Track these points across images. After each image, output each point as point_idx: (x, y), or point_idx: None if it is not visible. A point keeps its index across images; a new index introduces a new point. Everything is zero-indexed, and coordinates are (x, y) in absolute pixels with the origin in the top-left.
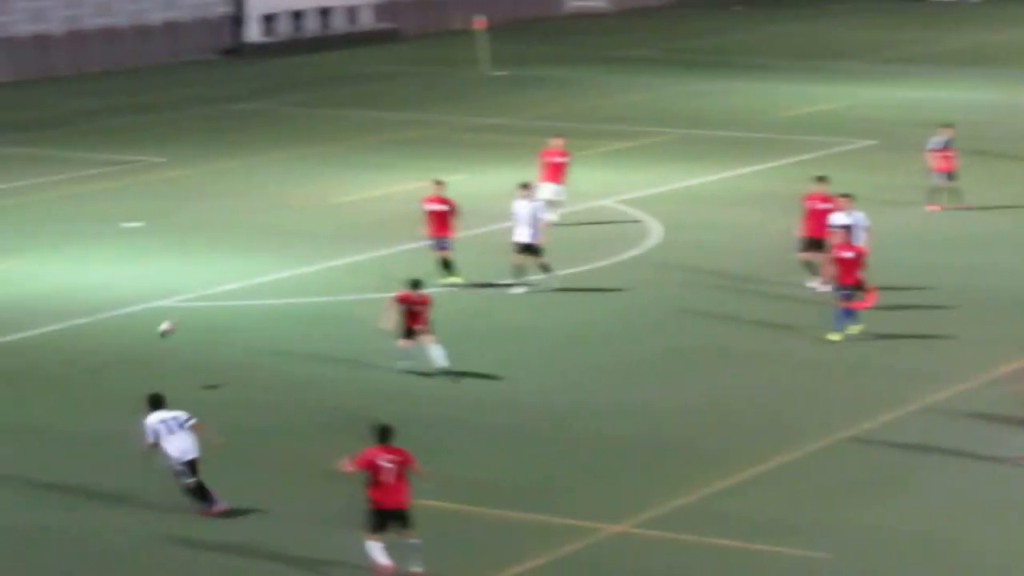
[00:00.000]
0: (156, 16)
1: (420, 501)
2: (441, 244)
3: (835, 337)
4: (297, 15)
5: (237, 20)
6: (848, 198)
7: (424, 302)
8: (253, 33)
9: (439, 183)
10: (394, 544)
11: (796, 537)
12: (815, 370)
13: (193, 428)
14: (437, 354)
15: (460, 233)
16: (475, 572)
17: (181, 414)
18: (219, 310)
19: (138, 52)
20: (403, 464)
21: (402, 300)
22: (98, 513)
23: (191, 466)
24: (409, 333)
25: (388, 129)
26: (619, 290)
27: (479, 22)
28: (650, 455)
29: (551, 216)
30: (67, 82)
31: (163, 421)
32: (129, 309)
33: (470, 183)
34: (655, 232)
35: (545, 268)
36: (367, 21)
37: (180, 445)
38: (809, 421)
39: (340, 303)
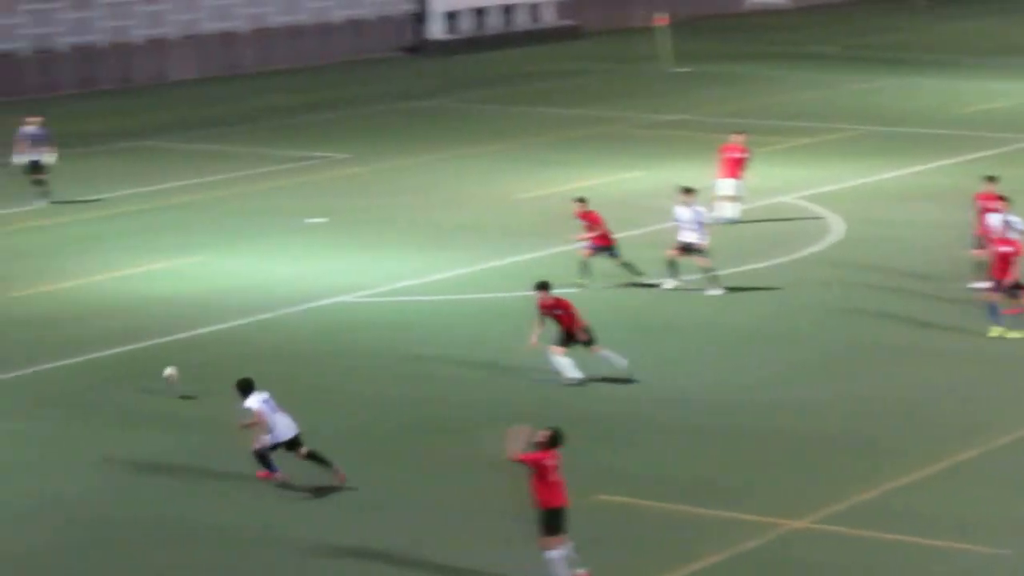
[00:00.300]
0: (340, 14)
1: (599, 496)
2: (612, 253)
3: (1016, 335)
4: (480, 12)
5: (420, 17)
6: (1005, 201)
7: (561, 305)
8: (436, 30)
9: (581, 201)
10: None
11: (979, 534)
12: (994, 367)
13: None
14: (611, 357)
15: (633, 231)
16: (654, 567)
17: (268, 395)
18: (401, 306)
19: (322, 49)
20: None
21: (541, 308)
22: (278, 506)
23: (295, 442)
24: (566, 340)
25: (568, 126)
26: (799, 286)
27: (661, 19)
28: (828, 451)
29: (732, 212)
30: (252, 79)
31: (265, 401)
32: (312, 304)
33: (647, 179)
34: (835, 229)
35: (706, 270)
36: (549, 18)
37: (286, 422)
38: (989, 418)
39: (520, 299)
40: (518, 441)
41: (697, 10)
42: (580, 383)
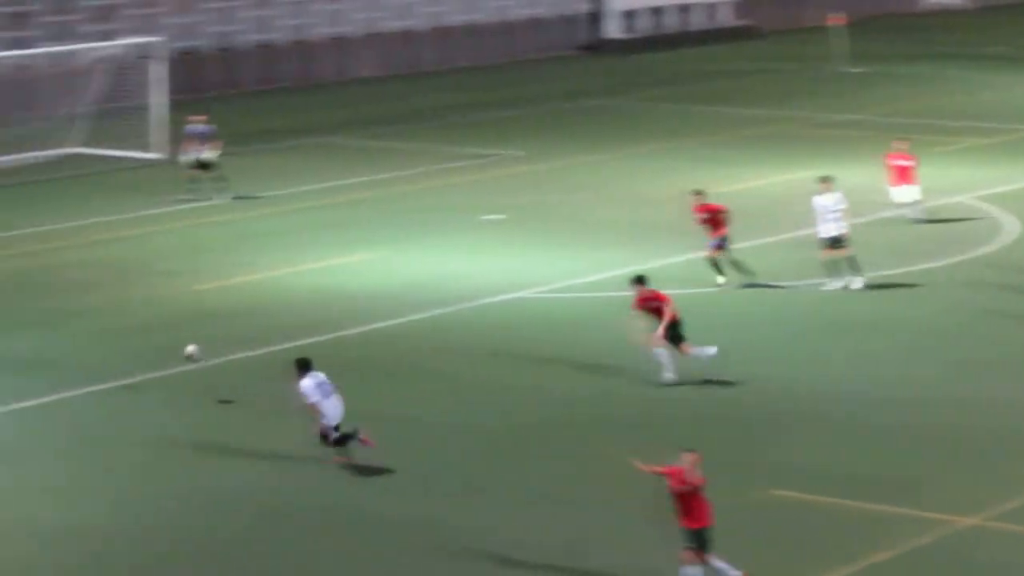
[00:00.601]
0: (519, 13)
1: (771, 491)
2: (718, 244)
3: None
4: (656, 12)
5: (597, 17)
6: None
7: (659, 298)
8: (613, 29)
9: (699, 193)
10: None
11: None
12: None
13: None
14: (701, 354)
15: (801, 231)
16: (825, 562)
17: (324, 376)
18: (574, 302)
19: (500, 48)
20: None
21: (640, 302)
22: (441, 501)
23: (336, 429)
24: (671, 337)
25: (743, 125)
26: (969, 286)
27: (836, 19)
28: (998, 449)
29: (919, 214)
30: (432, 77)
31: (319, 385)
32: (487, 300)
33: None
34: (1009, 229)
35: (852, 264)
36: (726, 18)
37: (335, 408)
38: None
39: (696, 296)
40: (688, 465)
41: (873, 10)
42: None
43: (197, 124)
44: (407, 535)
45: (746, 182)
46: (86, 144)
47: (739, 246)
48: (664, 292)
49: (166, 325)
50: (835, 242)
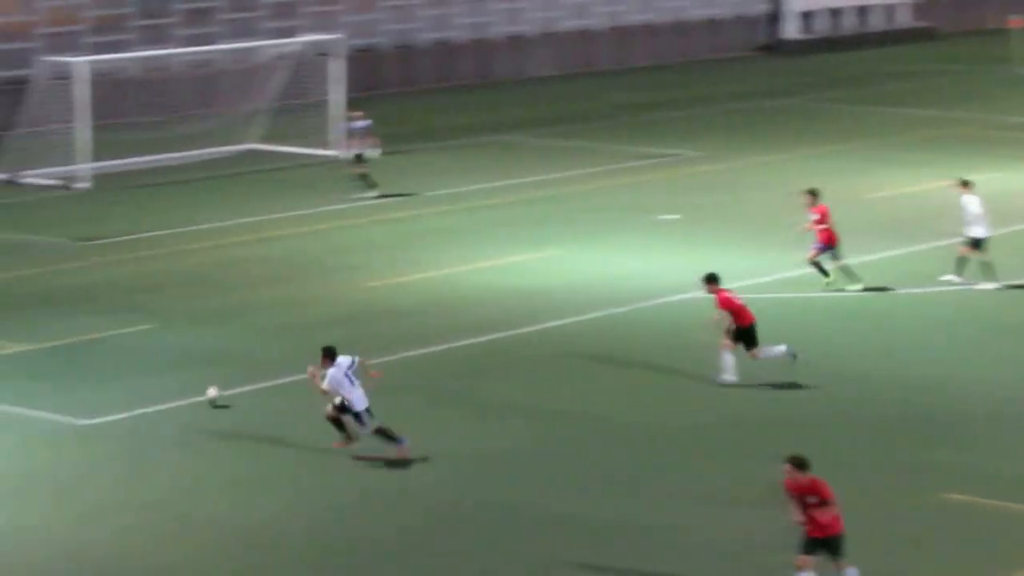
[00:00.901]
0: (696, 13)
1: (942, 495)
2: (822, 248)
3: None
4: (835, 13)
5: (774, 17)
6: None
7: (720, 298)
8: (790, 30)
9: (813, 194)
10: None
11: None
12: None
13: (362, 365)
14: (777, 352)
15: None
16: (996, 567)
17: (348, 359)
18: (751, 303)
19: (678, 48)
20: None
21: (725, 305)
22: (628, 500)
23: (368, 412)
24: (738, 336)
25: (920, 126)
26: None
27: (1016, 21)
28: None
29: None
30: (609, 77)
31: (346, 374)
32: (663, 300)
33: (998, 181)
34: None
35: (985, 263)
36: (904, 19)
37: (360, 396)
38: None
39: (870, 298)
40: (797, 476)
41: None
42: (730, 384)
43: (358, 120)
44: (578, 533)
45: (924, 184)
46: (265, 140)
47: (910, 250)
48: (728, 293)
49: (339, 322)
50: (978, 243)
